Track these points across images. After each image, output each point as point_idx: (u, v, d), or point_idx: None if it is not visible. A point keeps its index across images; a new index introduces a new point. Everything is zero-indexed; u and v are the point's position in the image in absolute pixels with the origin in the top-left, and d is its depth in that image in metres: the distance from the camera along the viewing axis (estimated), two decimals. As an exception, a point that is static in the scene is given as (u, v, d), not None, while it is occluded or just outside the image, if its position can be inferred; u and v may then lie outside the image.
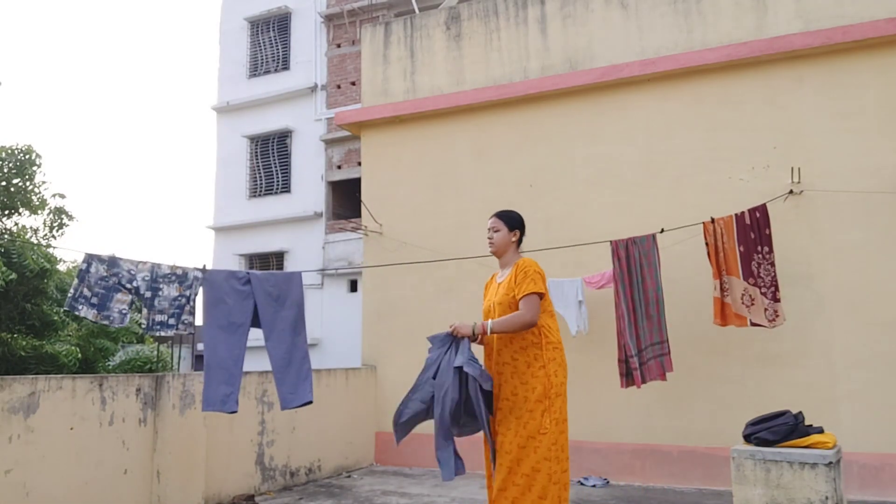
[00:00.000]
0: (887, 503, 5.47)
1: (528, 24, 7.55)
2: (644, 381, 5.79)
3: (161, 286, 4.70)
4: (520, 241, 3.79)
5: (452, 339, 3.50)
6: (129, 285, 4.60)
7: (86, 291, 4.49)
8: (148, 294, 4.64)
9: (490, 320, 3.49)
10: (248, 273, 4.87)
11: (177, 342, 14.51)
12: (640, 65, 6.82)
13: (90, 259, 4.57)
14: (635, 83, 6.88)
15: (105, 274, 4.55)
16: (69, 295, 4.51)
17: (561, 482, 3.35)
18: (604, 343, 6.36)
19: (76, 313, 4.50)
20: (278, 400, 5.05)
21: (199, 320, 5.06)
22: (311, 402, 5.09)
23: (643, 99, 6.86)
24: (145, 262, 4.77)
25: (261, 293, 4.89)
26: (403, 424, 3.53)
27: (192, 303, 4.81)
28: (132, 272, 4.65)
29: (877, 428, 5.66)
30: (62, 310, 12.09)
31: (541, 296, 3.45)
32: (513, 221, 3.75)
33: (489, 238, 3.73)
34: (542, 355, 3.42)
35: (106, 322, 4.52)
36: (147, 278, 4.66)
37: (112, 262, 4.63)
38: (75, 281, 4.51)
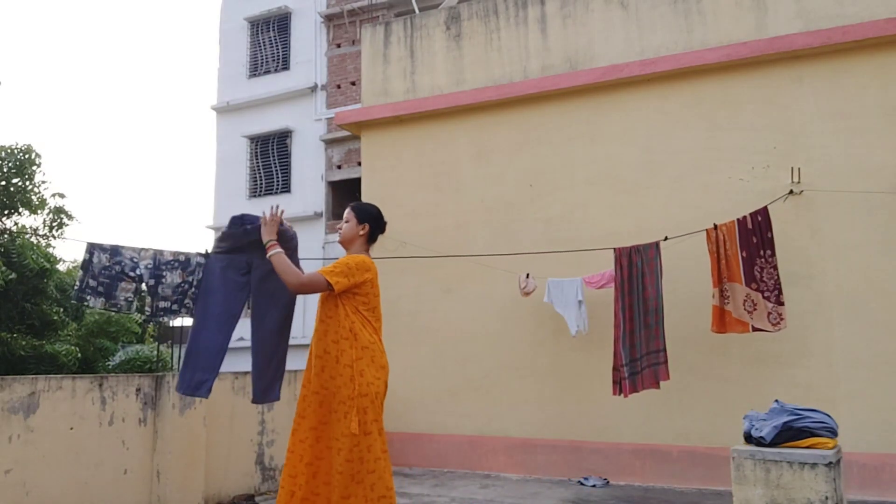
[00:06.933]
0: (887, 503, 5.47)
1: (528, 24, 7.55)
2: (636, 391, 5.81)
3: (164, 273, 4.70)
4: (371, 237, 3.71)
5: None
6: (132, 273, 4.61)
7: (91, 282, 4.50)
8: (151, 282, 4.64)
9: (274, 245, 3.51)
10: (247, 265, 4.84)
11: (177, 342, 14.51)
12: (640, 65, 6.82)
13: (92, 249, 4.58)
14: (635, 83, 6.88)
15: (108, 263, 4.57)
16: (76, 287, 4.53)
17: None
18: (603, 343, 6.35)
19: (85, 304, 4.51)
20: (251, 393, 5.02)
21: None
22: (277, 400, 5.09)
23: (643, 99, 6.86)
24: (147, 250, 4.78)
25: (257, 287, 4.86)
26: None
27: (195, 288, 4.81)
28: (135, 260, 4.66)
29: (877, 428, 5.66)
30: (62, 309, 12.10)
31: (329, 284, 3.35)
32: (363, 214, 3.70)
33: (338, 227, 3.67)
34: (351, 353, 3.35)
35: (115, 310, 4.55)
36: (150, 266, 4.67)
37: (114, 250, 4.65)
38: (80, 272, 4.53)
